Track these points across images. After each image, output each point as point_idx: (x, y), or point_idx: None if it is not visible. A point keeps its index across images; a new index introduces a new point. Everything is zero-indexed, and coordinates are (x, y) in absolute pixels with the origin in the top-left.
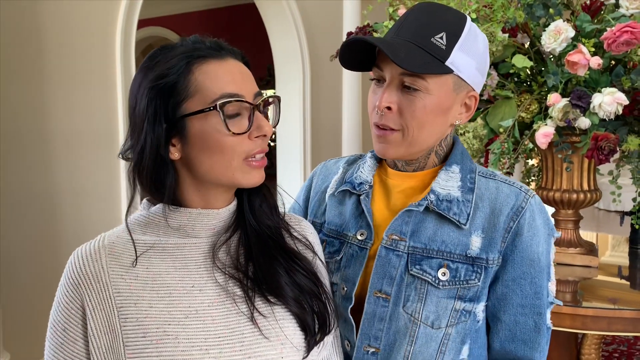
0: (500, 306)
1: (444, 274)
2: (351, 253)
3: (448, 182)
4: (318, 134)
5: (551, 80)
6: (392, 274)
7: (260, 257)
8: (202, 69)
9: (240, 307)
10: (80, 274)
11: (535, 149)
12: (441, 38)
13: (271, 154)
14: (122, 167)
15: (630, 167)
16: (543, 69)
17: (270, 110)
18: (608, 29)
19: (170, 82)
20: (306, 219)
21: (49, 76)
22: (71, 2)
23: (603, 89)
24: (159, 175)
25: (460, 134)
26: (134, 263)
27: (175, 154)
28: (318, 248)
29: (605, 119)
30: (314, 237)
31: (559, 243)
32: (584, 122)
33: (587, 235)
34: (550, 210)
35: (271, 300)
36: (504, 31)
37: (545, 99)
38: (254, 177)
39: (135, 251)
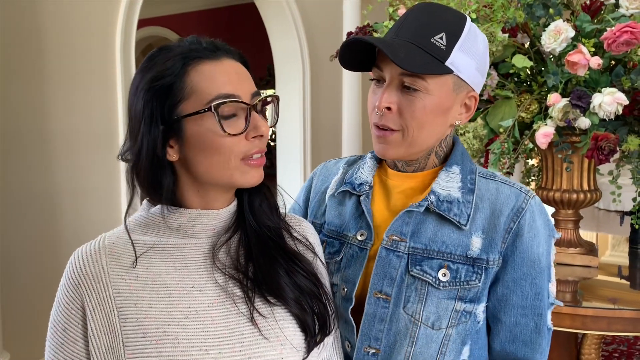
0: (501, 307)
1: (445, 274)
2: (351, 254)
3: (448, 183)
4: (318, 134)
5: (551, 80)
6: (393, 275)
7: (261, 258)
8: (198, 69)
9: (240, 307)
10: (80, 274)
11: (535, 149)
12: (441, 38)
13: (271, 154)
14: (122, 167)
15: (630, 167)
16: (543, 69)
17: (269, 110)
18: (608, 29)
19: (166, 83)
20: (306, 219)
21: (49, 76)
22: (71, 2)
23: (603, 89)
24: (156, 177)
25: (460, 134)
26: (134, 264)
27: (173, 155)
28: (318, 249)
29: (605, 119)
30: (314, 238)
31: (559, 243)
32: (584, 122)
33: (587, 235)
34: (550, 210)
35: (271, 301)
36: (504, 31)
37: (545, 99)
38: (253, 177)
39: (135, 252)
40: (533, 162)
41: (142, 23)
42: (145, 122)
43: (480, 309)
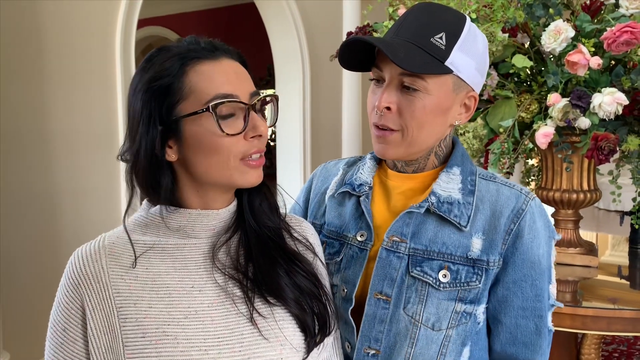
0: (501, 308)
1: (445, 275)
2: (351, 254)
3: (449, 184)
4: (318, 134)
5: (551, 80)
6: (393, 276)
7: (260, 258)
8: (196, 70)
9: (240, 308)
10: (80, 274)
11: (535, 148)
12: (441, 38)
13: (271, 154)
14: (122, 167)
15: (630, 167)
16: (543, 69)
17: (268, 110)
18: (608, 29)
19: (164, 84)
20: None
21: (49, 76)
22: (71, 2)
23: (603, 89)
24: (155, 177)
25: (460, 134)
26: (134, 264)
27: (172, 155)
28: (319, 249)
29: (605, 119)
30: (314, 238)
31: (559, 243)
32: (583, 122)
33: (587, 235)
34: (550, 210)
35: (271, 301)
36: (504, 31)
37: (545, 99)
38: (252, 177)
39: (134, 252)
40: (533, 162)
41: (142, 23)
42: (143, 123)
43: (480, 310)
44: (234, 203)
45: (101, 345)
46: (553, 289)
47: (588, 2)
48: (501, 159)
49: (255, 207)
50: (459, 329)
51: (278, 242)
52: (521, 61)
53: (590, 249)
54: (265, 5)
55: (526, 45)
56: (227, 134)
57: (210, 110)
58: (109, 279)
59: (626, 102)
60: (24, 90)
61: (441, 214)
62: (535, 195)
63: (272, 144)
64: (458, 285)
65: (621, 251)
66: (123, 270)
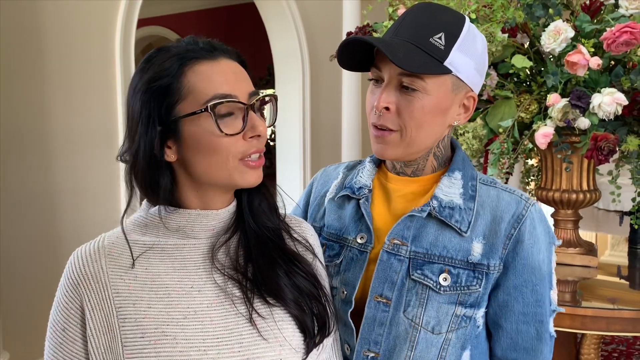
0: (502, 314)
1: (445, 279)
2: (351, 257)
3: (450, 189)
4: (317, 134)
5: (551, 81)
6: (394, 279)
7: (260, 259)
8: (194, 70)
9: (239, 308)
10: (79, 274)
11: (535, 149)
12: (440, 38)
13: (270, 154)
14: (122, 167)
15: (629, 167)
16: (542, 69)
17: (267, 110)
18: (607, 29)
19: (163, 84)
20: None
21: (49, 76)
22: (71, 2)
23: (602, 89)
24: (154, 177)
25: (460, 134)
26: (133, 264)
27: (171, 155)
28: (318, 250)
29: (604, 119)
30: (314, 239)
31: None
32: (583, 123)
33: (586, 235)
34: (550, 210)
35: (270, 301)
36: (503, 31)
37: (545, 99)
38: (251, 177)
39: (132, 253)
40: (532, 162)
41: (141, 23)
42: (142, 123)
43: (480, 314)
44: (234, 203)
45: (100, 345)
46: (554, 294)
47: (588, 3)
48: (501, 159)
49: (255, 207)
50: (458, 332)
51: (277, 243)
52: (521, 61)
53: (590, 249)
54: (265, 5)
55: (526, 46)
56: (226, 134)
57: (209, 110)
58: (109, 279)
59: (626, 102)
60: (24, 90)
61: (442, 218)
62: (535, 201)
63: (271, 144)
64: (458, 288)
65: (620, 251)
66: (122, 270)
